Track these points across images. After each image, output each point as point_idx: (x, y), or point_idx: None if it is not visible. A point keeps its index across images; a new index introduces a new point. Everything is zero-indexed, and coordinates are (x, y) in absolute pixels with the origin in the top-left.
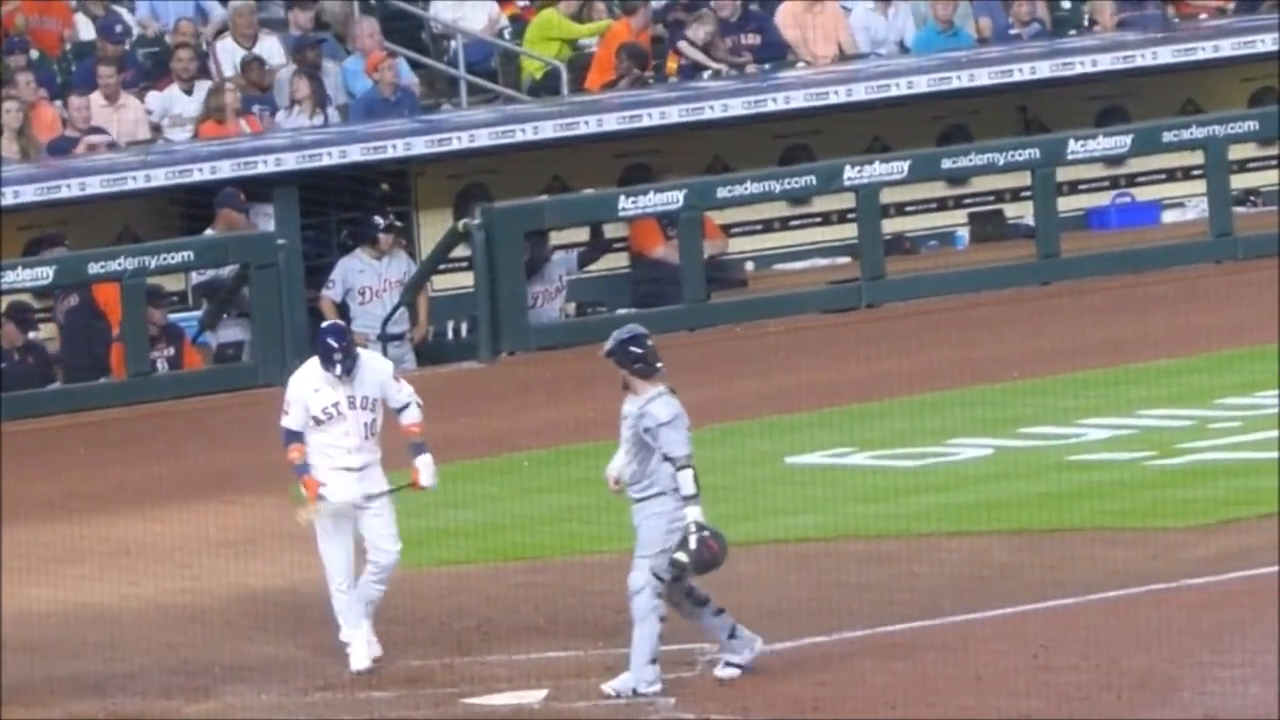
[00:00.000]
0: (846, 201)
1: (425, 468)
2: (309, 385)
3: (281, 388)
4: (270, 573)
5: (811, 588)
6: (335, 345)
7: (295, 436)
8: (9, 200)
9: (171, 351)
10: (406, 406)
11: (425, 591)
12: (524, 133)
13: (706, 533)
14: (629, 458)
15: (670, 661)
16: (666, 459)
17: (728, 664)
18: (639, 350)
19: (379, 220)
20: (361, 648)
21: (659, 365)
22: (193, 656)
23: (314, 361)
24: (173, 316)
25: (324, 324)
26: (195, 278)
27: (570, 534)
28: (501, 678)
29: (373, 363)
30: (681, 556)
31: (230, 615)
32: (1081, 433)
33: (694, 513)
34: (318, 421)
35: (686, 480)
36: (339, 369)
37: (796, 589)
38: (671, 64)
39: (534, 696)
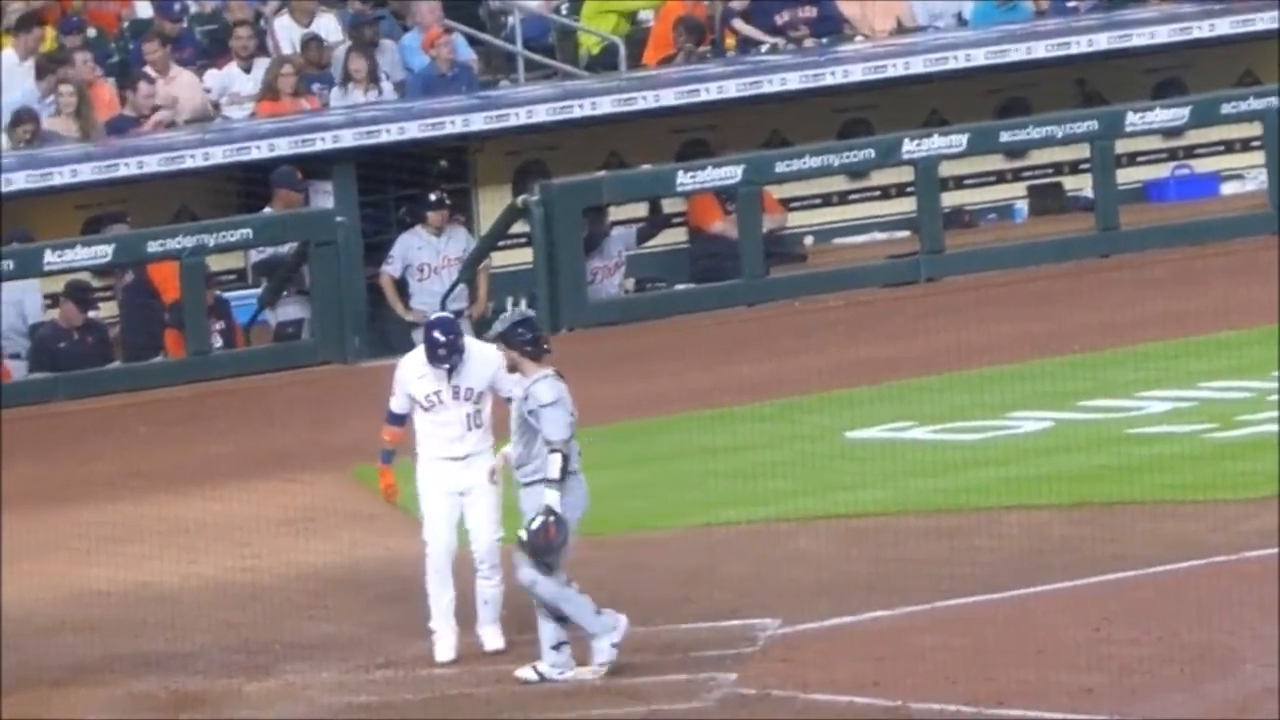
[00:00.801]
0: (905, 175)
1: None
2: (414, 371)
3: (340, 365)
4: (330, 550)
5: (871, 562)
6: (441, 339)
7: (395, 419)
8: (67, 179)
9: (222, 324)
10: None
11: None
12: (582, 108)
13: (552, 518)
14: (516, 441)
15: (732, 637)
16: (545, 441)
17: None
18: (527, 333)
19: (431, 197)
20: (448, 637)
21: (547, 348)
22: (253, 635)
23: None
24: (231, 295)
25: (433, 316)
26: (254, 256)
27: (630, 510)
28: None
29: (482, 353)
30: (522, 534)
31: (290, 593)
32: (1141, 406)
33: (551, 497)
34: (422, 408)
35: (553, 463)
36: (443, 363)
37: (856, 564)
38: (729, 40)
39: (595, 673)
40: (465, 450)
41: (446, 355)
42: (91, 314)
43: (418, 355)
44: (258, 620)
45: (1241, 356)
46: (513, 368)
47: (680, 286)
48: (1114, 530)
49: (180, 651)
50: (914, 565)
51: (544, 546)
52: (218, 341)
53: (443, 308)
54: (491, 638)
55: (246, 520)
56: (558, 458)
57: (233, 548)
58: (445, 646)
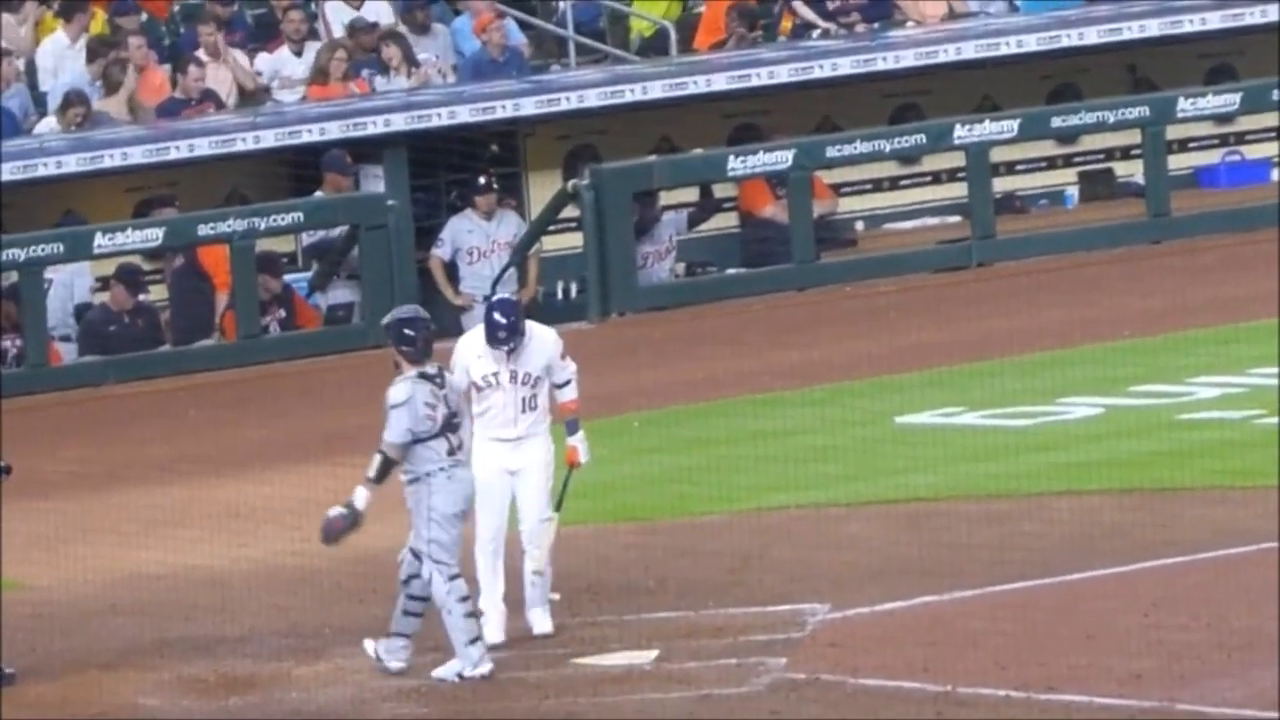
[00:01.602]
0: (956, 160)
1: (581, 445)
2: (473, 350)
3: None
4: (381, 534)
5: (922, 547)
6: (502, 321)
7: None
8: (118, 161)
9: (283, 314)
10: (568, 383)
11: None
12: (632, 93)
13: (346, 512)
14: None
15: (780, 622)
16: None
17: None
18: (412, 334)
19: (481, 181)
20: (496, 619)
21: (428, 353)
22: (303, 619)
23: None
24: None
25: (495, 298)
26: (305, 239)
27: (680, 495)
28: (612, 638)
29: (542, 337)
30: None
31: (341, 577)
32: (1192, 391)
33: (359, 494)
34: (478, 388)
35: (372, 463)
36: (503, 346)
37: (907, 549)
38: (786, 23)
39: (645, 657)
40: (518, 433)
41: (506, 337)
42: (141, 297)
43: (477, 335)
44: (308, 604)
45: None
46: (396, 364)
47: (730, 271)
48: (1164, 516)
49: (230, 635)
50: (964, 550)
51: (324, 532)
52: (276, 330)
53: (493, 292)
54: (540, 621)
55: (297, 504)
56: (379, 458)
57: (283, 531)
58: (494, 628)
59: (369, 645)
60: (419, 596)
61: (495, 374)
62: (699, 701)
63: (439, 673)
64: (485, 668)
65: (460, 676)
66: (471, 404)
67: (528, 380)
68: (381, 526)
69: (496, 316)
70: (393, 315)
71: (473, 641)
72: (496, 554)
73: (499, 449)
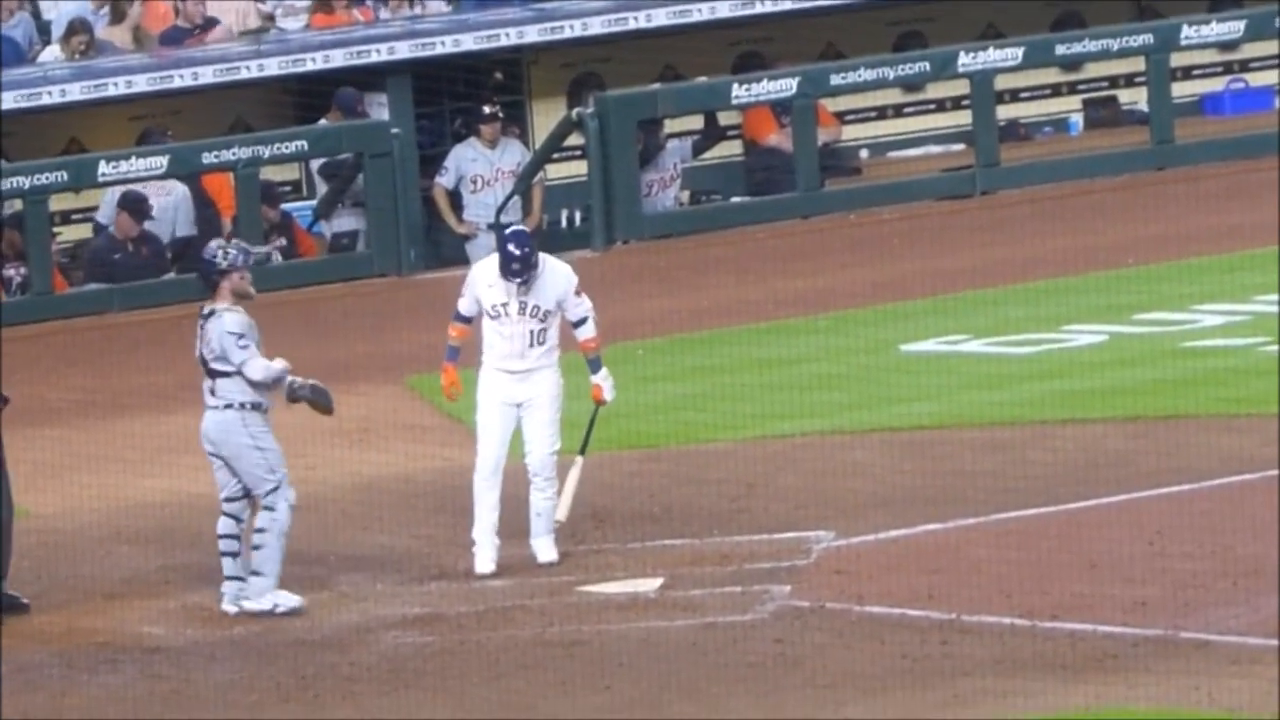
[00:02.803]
0: (960, 88)
1: (605, 382)
2: (485, 278)
3: (395, 277)
4: (385, 462)
5: (926, 475)
6: (515, 253)
7: (461, 319)
8: (121, 90)
9: (284, 241)
10: (584, 321)
11: None
12: (637, 20)
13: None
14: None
15: (785, 550)
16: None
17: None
18: (206, 266)
19: (485, 109)
20: (488, 550)
21: (208, 292)
22: (307, 546)
23: (487, 261)
24: (288, 206)
25: (509, 229)
26: (315, 162)
27: (685, 422)
28: (617, 566)
29: (555, 270)
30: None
31: (345, 505)
32: (1196, 319)
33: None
34: (489, 316)
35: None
36: (515, 277)
37: (911, 477)
38: None
39: (649, 585)
40: (525, 366)
41: (520, 270)
42: (146, 224)
43: (491, 263)
44: (312, 532)
45: None
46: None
47: (735, 199)
48: (1168, 444)
49: None
50: (968, 478)
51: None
52: (277, 259)
53: (496, 220)
54: (545, 550)
55: (301, 432)
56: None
57: (288, 459)
58: (485, 559)
59: (268, 602)
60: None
61: (505, 305)
62: (703, 629)
63: (252, 605)
64: (296, 601)
65: (275, 609)
66: (482, 333)
67: (536, 313)
68: (381, 455)
69: (510, 248)
70: (209, 251)
71: (281, 592)
72: (494, 484)
73: (505, 380)
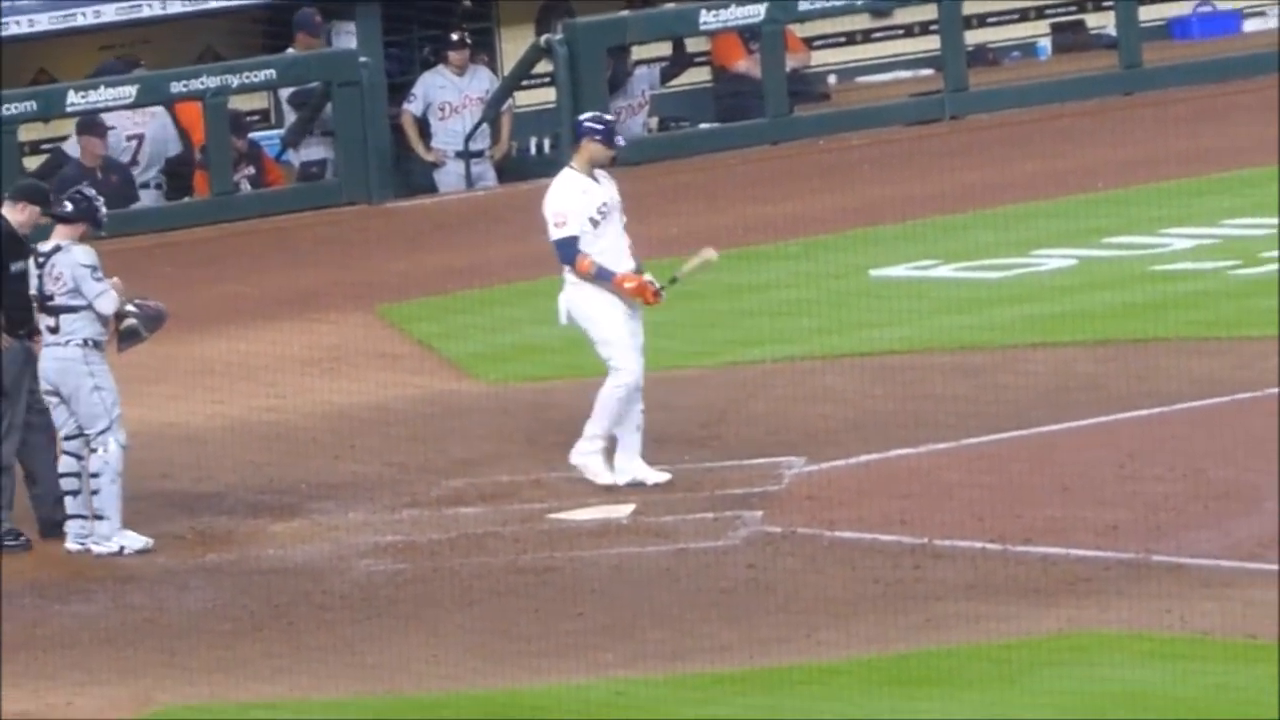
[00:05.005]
0: (929, 13)
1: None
2: (577, 187)
3: (365, 205)
4: (356, 390)
5: (897, 400)
6: (607, 117)
7: (579, 251)
8: (90, 20)
9: (252, 170)
10: None
11: (511, 407)
12: None
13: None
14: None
15: (757, 476)
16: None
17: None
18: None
19: (454, 36)
20: (596, 457)
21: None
22: (279, 475)
23: (565, 172)
24: (257, 135)
25: (582, 117)
26: (285, 92)
27: (656, 349)
28: (589, 493)
29: (607, 176)
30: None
31: (317, 433)
32: (1165, 243)
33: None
34: (594, 222)
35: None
36: (618, 141)
37: (882, 402)
38: None
39: (621, 511)
40: (636, 263)
41: (615, 132)
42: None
43: (569, 175)
44: (284, 460)
45: (1264, 193)
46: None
47: (704, 126)
48: (1139, 367)
49: (207, 492)
50: (940, 403)
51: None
52: (246, 188)
53: (465, 148)
54: (652, 471)
55: (272, 360)
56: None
57: (259, 388)
58: (601, 470)
59: (115, 544)
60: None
61: (605, 203)
62: (675, 555)
63: (99, 549)
64: (144, 541)
65: (123, 550)
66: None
67: (621, 207)
68: (352, 383)
69: (595, 122)
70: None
71: (127, 532)
72: (638, 399)
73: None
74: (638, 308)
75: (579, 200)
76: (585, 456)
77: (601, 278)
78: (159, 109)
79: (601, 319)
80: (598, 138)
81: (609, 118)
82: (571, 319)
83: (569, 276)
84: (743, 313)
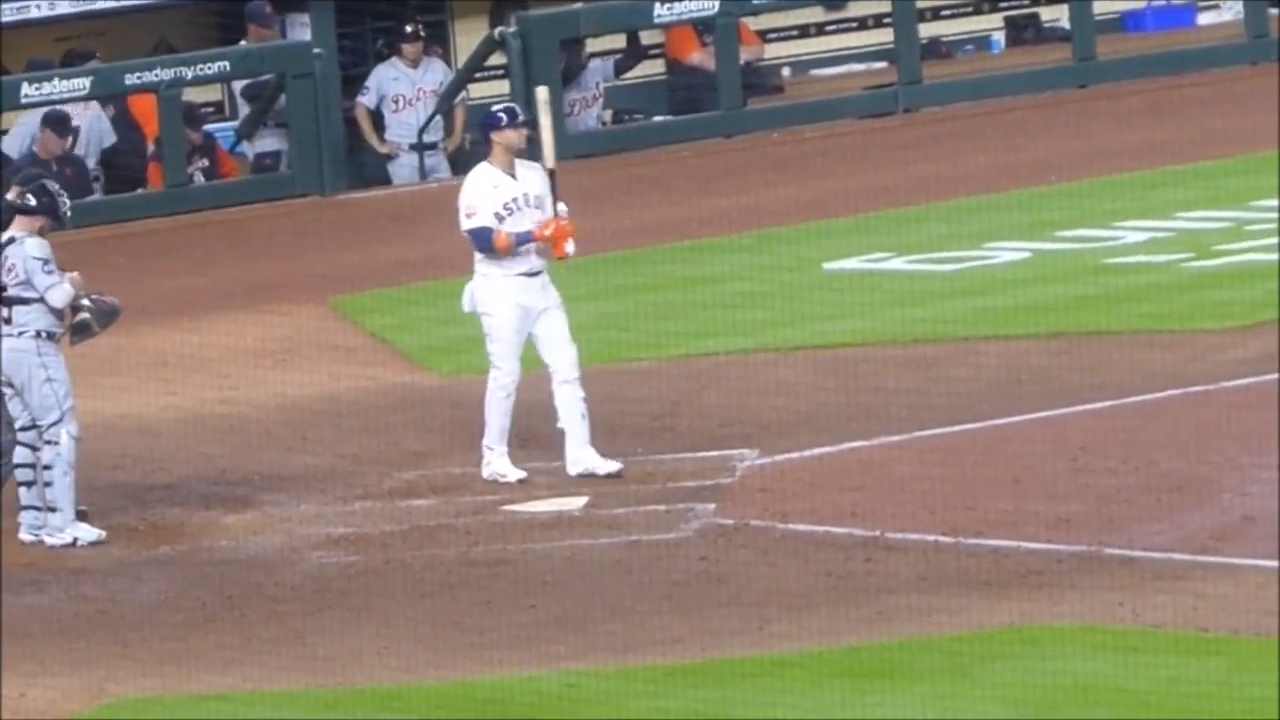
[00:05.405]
0: (882, 6)
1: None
2: (486, 183)
3: (318, 196)
4: (308, 382)
5: (849, 393)
6: (508, 104)
7: (490, 231)
8: (45, 12)
9: (206, 163)
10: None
11: (464, 399)
12: None
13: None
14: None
15: (709, 468)
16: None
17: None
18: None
19: (407, 28)
20: (502, 460)
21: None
22: (232, 467)
23: (480, 166)
24: (211, 127)
25: (496, 107)
26: (238, 84)
27: (608, 341)
28: (541, 485)
29: (529, 165)
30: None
31: (269, 425)
32: (1119, 235)
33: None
34: (499, 218)
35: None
36: (524, 122)
37: (834, 394)
38: None
39: (574, 504)
40: (540, 265)
41: (527, 119)
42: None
43: (482, 169)
44: (236, 452)
45: (1218, 186)
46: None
47: (658, 118)
48: (1092, 360)
49: (159, 483)
50: (892, 395)
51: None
52: (200, 180)
53: (419, 140)
54: (601, 461)
55: (225, 352)
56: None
57: (212, 380)
58: (503, 466)
59: (68, 536)
60: (41, 464)
61: (515, 199)
62: (628, 547)
63: (53, 540)
64: (96, 534)
65: (76, 543)
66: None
67: (540, 204)
68: (304, 375)
69: (502, 111)
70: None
71: (82, 524)
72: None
73: (527, 285)
74: (551, 309)
75: (489, 195)
76: (491, 467)
77: (522, 241)
78: (93, 103)
79: (496, 316)
80: (503, 124)
81: (508, 104)
82: (474, 309)
83: (478, 267)
84: (696, 305)
